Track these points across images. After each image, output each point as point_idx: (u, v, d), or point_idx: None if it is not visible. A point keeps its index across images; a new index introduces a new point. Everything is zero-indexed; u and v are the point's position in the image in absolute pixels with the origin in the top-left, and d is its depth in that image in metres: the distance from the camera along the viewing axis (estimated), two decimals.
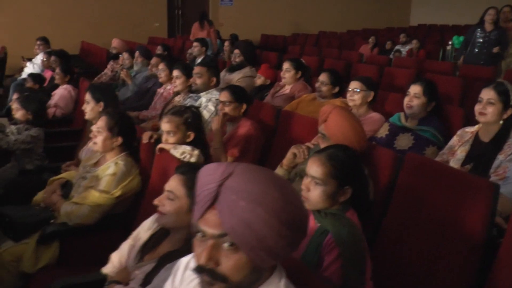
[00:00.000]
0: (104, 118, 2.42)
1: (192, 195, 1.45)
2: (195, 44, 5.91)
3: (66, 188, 2.56)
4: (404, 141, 2.87)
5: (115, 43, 6.35)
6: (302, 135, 2.80)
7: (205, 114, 3.31)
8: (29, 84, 5.18)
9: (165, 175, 2.21)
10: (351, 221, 1.56)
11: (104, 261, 2.23)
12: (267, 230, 0.95)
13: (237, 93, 2.89)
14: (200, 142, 2.30)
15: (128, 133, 2.45)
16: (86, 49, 9.26)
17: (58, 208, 2.38)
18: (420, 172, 2.03)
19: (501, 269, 1.68)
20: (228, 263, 0.98)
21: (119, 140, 2.41)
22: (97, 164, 2.51)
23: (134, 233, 1.74)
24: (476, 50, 5.54)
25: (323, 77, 3.52)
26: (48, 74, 5.72)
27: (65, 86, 4.64)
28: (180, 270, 1.27)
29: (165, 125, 2.28)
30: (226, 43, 6.53)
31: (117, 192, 2.31)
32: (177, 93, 3.91)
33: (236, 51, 4.88)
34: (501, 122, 2.42)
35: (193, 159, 2.16)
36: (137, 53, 5.29)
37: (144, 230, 1.71)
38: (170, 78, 4.18)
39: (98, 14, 10.26)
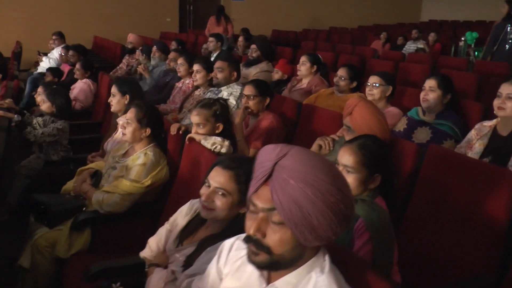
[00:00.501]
0: (133, 110, 2.50)
1: (243, 190, 1.53)
2: (210, 39, 5.98)
3: (96, 177, 2.64)
4: (422, 135, 2.93)
5: (131, 37, 6.43)
6: (323, 128, 2.87)
7: None
8: (48, 78, 5.29)
9: (195, 165, 2.29)
10: (380, 207, 1.64)
11: (134, 248, 2.32)
12: (312, 209, 1.03)
13: (261, 87, 2.97)
14: (228, 133, 2.37)
15: (156, 124, 2.53)
16: (99, 44, 9.36)
17: (89, 197, 2.47)
18: (442, 164, 2.10)
19: None
20: (274, 236, 1.08)
21: (148, 131, 2.49)
22: (125, 154, 2.59)
23: (171, 219, 1.81)
24: (507, 46, 5.25)
25: (341, 72, 3.58)
26: (65, 68, 5.82)
27: (84, 80, 4.73)
28: (225, 251, 1.34)
29: (194, 118, 2.36)
30: (240, 38, 6.59)
31: (147, 182, 2.39)
32: (196, 87, 3.98)
33: (253, 46, 4.95)
34: None
35: (223, 150, 2.23)
36: (154, 48, 5.36)
37: (182, 216, 1.77)
38: (189, 72, 4.26)
39: (110, 10, 10.36)
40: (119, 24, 10.23)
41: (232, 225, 1.60)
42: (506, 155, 2.46)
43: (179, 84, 4.42)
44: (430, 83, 2.98)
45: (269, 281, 1.20)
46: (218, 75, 3.58)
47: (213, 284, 1.34)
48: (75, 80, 4.85)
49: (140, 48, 5.74)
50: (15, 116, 3.22)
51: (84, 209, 2.46)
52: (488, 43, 5.40)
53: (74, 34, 8.58)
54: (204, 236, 1.63)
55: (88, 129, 4.23)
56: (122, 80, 3.17)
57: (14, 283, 2.49)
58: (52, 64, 6.59)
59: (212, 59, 5.37)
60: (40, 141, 3.31)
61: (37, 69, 7.10)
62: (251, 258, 1.12)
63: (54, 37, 7.09)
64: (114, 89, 3.03)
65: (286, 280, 1.15)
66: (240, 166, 1.57)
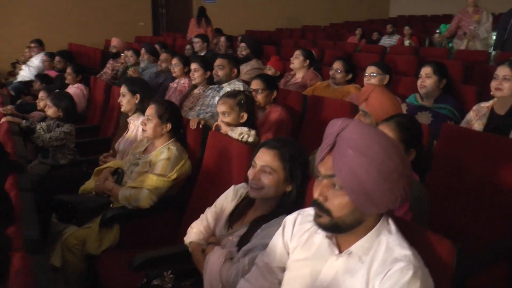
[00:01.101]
0: (153, 106, 2.56)
1: (288, 168, 1.63)
2: (196, 40, 6.05)
3: (117, 175, 2.68)
4: (423, 119, 3.09)
5: (115, 42, 6.41)
6: (331, 118, 2.98)
7: None
8: (37, 84, 5.23)
9: (222, 156, 2.37)
10: (416, 179, 1.77)
11: (162, 241, 2.39)
12: (366, 177, 1.16)
13: (268, 81, 3.07)
14: (252, 123, 2.46)
15: (176, 120, 2.60)
16: (75, 51, 9.22)
17: (114, 194, 2.52)
18: (456, 139, 2.26)
19: None
20: (334, 200, 1.21)
21: (169, 126, 2.55)
22: (146, 151, 2.65)
23: (217, 202, 1.88)
24: None
25: (337, 65, 3.73)
26: (52, 75, 5.75)
27: (77, 85, 4.71)
28: (288, 226, 1.43)
29: (220, 107, 2.46)
30: (222, 38, 6.67)
31: (173, 175, 2.46)
32: (194, 86, 4.04)
33: (242, 44, 5.04)
34: None
35: (250, 139, 2.33)
36: (143, 50, 5.38)
37: (228, 201, 1.84)
38: (184, 72, 4.32)
39: (83, 16, 10.24)
40: (93, 31, 10.13)
41: (281, 204, 1.70)
42: (505, 132, 2.65)
43: (173, 85, 4.46)
44: (426, 70, 3.16)
45: (339, 248, 1.30)
46: (219, 72, 3.63)
47: (281, 258, 1.42)
48: (66, 85, 4.81)
49: (126, 51, 5.73)
50: (23, 121, 3.21)
51: (111, 205, 2.50)
52: (497, 34, 5.38)
53: (48, 42, 8.44)
54: (254, 218, 1.72)
55: (85, 133, 4.23)
56: (132, 80, 3.22)
57: None
58: (33, 72, 6.49)
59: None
60: (48, 146, 3.30)
61: (16, 78, 6.98)
62: (316, 220, 1.25)
63: (32, 45, 6.99)
64: (124, 89, 3.08)
65: (359, 245, 1.25)
66: (284, 146, 1.69)
